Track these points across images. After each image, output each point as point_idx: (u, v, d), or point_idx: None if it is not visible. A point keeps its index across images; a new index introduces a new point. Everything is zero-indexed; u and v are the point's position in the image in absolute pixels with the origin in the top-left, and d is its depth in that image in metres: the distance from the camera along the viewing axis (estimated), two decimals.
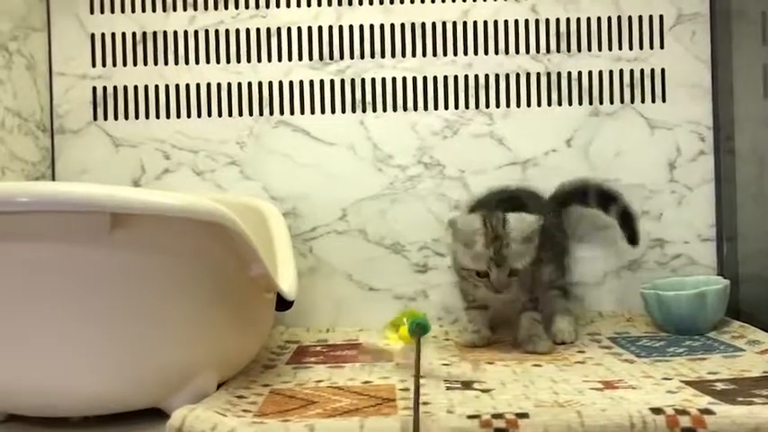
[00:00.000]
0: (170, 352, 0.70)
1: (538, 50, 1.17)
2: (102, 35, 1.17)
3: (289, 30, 1.17)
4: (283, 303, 0.90)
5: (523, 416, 0.61)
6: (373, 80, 1.17)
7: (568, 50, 1.17)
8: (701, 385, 0.75)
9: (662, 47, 1.17)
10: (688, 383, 0.76)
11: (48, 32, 1.16)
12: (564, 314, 1.01)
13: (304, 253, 1.16)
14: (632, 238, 1.08)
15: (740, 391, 0.73)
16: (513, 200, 1.00)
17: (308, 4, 1.17)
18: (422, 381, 0.80)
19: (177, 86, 1.17)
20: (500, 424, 0.60)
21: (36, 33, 1.13)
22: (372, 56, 1.17)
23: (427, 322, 0.85)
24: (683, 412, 0.61)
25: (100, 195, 0.64)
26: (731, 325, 1.01)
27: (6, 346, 0.66)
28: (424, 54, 1.17)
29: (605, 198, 1.09)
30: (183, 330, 0.70)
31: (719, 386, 0.75)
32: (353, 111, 1.17)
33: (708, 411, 0.61)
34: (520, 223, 0.90)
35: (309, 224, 1.17)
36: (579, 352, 0.93)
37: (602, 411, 0.62)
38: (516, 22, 1.17)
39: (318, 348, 1.01)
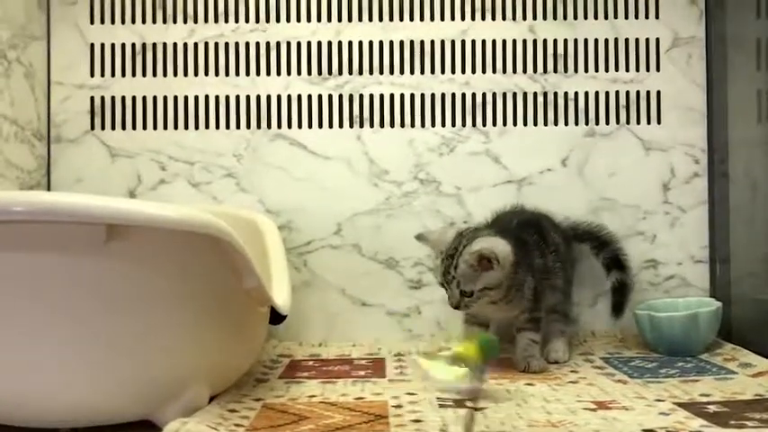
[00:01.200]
0: (162, 364, 0.69)
1: (535, 70, 1.18)
2: (102, 45, 1.17)
3: (288, 44, 1.18)
4: (276, 317, 0.89)
5: None
6: (371, 96, 1.18)
7: (565, 71, 1.18)
8: (694, 407, 0.75)
9: (658, 69, 1.18)
10: (680, 405, 0.76)
11: (47, 41, 1.16)
12: (559, 335, 1.02)
13: (298, 267, 1.16)
14: (618, 308, 1.08)
15: (732, 414, 0.73)
16: (531, 223, 1.02)
17: (308, 20, 1.18)
18: (417, 397, 0.80)
19: (175, 98, 1.17)
20: None
21: (36, 42, 1.13)
22: (371, 72, 1.18)
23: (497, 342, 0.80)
24: None
25: (96, 206, 0.63)
26: (723, 347, 1.01)
27: None
28: (422, 71, 1.18)
29: (616, 263, 1.09)
30: (176, 342, 0.70)
31: (712, 408, 0.75)
32: (351, 126, 1.18)
33: None
34: (473, 247, 0.90)
35: (304, 238, 1.17)
36: (572, 372, 0.93)
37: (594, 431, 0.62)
38: (514, 41, 1.18)
39: (311, 363, 1.00)
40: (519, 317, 0.96)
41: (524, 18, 1.18)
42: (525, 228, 1.01)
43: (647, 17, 1.18)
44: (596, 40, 1.18)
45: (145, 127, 1.17)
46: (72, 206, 0.63)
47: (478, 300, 0.91)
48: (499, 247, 0.90)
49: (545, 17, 1.18)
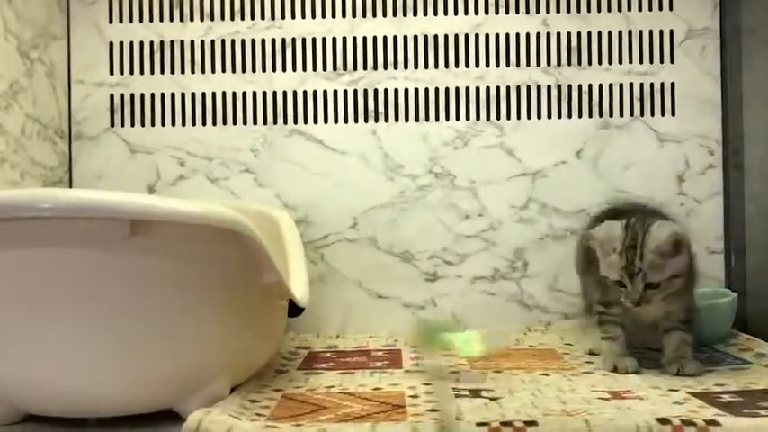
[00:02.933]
0: (186, 356, 0.71)
1: (549, 63, 1.19)
2: (121, 44, 1.19)
3: (303, 41, 1.19)
4: (294, 309, 0.91)
5: (532, 423, 0.62)
6: (386, 91, 1.19)
7: (579, 64, 1.19)
8: (708, 397, 0.76)
9: (672, 61, 1.19)
10: (694, 395, 0.77)
11: (67, 41, 1.19)
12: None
13: (315, 260, 1.18)
14: None
15: (746, 403, 0.73)
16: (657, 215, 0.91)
17: (323, 16, 1.19)
18: (433, 387, 0.81)
19: (193, 95, 1.19)
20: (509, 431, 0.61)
21: (56, 42, 1.15)
22: (385, 67, 1.19)
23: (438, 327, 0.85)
24: (690, 423, 0.62)
25: (121, 202, 0.65)
26: (738, 338, 1.02)
27: (26, 348, 0.68)
28: (437, 66, 1.19)
29: None
30: (199, 335, 0.72)
31: (726, 398, 0.76)
32: (366, 121, 1.19)
33: (714, 422, 0.62)
34: (661, 233, 0.83)
35: (321, 232, 1.18)
36: (587, 362, 0.94)
37: (609, 421, 0.63)
38: (528, 35, 1.19)
39: (329, 354, 1.02)
40: (672, 316, 0.87)
41: (538, 11, 1.19)
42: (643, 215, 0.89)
43: (660, 9, 1.18)
44: (610, 33, 1.19)
45: (164, 123, 1.19)
46: (97, 202, 0.65)
47: (663, 291, 0.83)
48: (681, 229, 0.84)
49: (558, 10, 1.19)
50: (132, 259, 0.68)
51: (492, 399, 0.76)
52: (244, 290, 0.76)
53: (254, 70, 1.19)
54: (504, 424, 0.62)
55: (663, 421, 0.62)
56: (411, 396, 0.78)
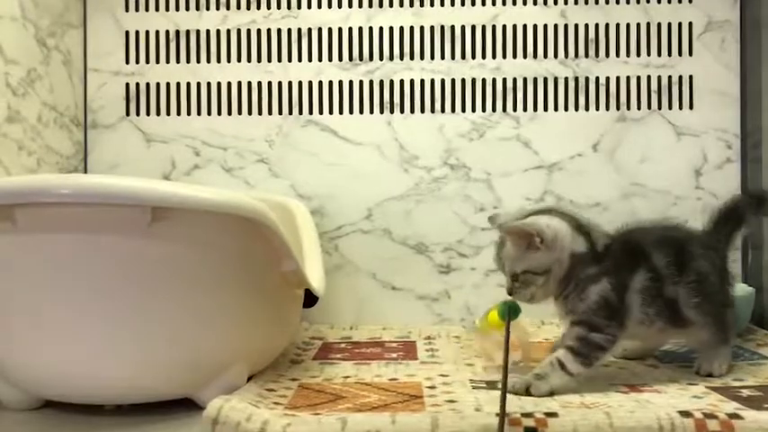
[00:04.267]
0: (204, 344, 0.71)
1: (566, 55, 1.18)
2: (137, 32, 1.19)
3: (319, 30, 1.19)
4: (309, 300, 0.91)
5: (552, 415, 0.62)
6: (402, 82, 1.19)
7: (596, 56, 1.18)
8: (727, 391, 0.75)
9: (690, 54, 1.18)
10: (713, 389, 0.76)
11: (84, 29, 1.19)
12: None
13: (329, 251, 1.17)
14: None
15: (766, 398, 0.73)
16: (673, 244, 0.81)
17: (339, 6, 1.19)
18: (449, 378, 0.81)
19: (209, 84, 1.19)
20: (529, 422, 0.61)
21: (73, 30, 1.15)
22: (401, 57, 1.18)
23: (518, 305, 0.81)
24: (712, 416, 0.62)
25: (143, 188, 0.65)
26: (756, 333, 1.01)
27: (45, 335, 0.68)
28: (453, 57, 1.18)
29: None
30: (217, 323, 0.72)
31: (745, 393, 0.75)
32: (381, 112, 1.19)
33: (736, 416, 0.62)
34: (520, 223, 0.79)
35: (335, 223, 1.18)
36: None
37: (630, 413, 0.63)
38: (545, 26, 1.18)
39: (343, 345, 1.02)
40: (574, 330, 0.78)
41: (555, 3, 1.18)
42: (661, 247, 0.80)
43: (680, 1, 1.18)
44: (628, 25, 1.18)
45: (179, 113, 1.19)
46: (119, 188, 0.65)
47: (527, 286, 0.79)
48: (545, 224, 0.78)
49: (576, 2, 1.18)
50: (151, 246, 0.68)
51: (509, 391, 0.76)
52: (262, 278, 0.76)
53: (269, 60, 1.19)
54: (525, 415, 0.62)
55: (685, 414, 0.62)
56: (428, 387, 0.78)
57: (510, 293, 0.81)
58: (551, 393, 0.74)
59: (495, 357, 0.88)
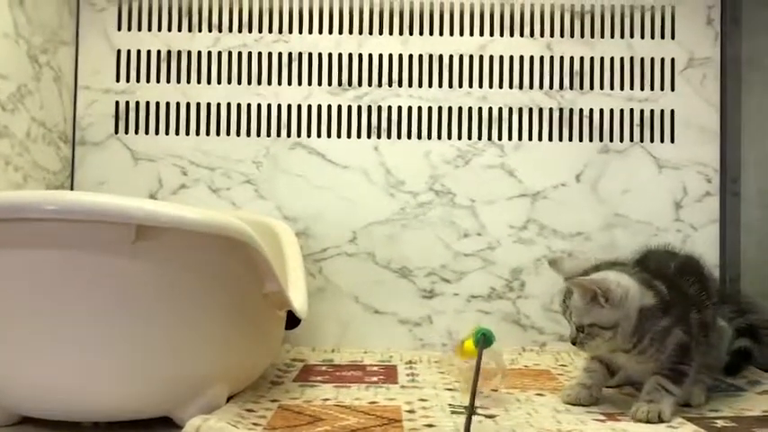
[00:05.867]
0: (184, 362, 0.71)
1: (551, 87, 1.20)
2: (128, 51, 1.20)
3: (310, 55, 1.20)
4: (291, 322, 0.91)
5: None
6: (389, 108, 1.20)
7: (581, 88, 1.20)
8: (702, 422, 0.76)
9: (672, 89, 1.20)
10: (689, 419, 0.77)
11: (76, 47, 1.20)
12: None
13: (313, 273, 1.18)
14: (734, 370, 0.96)
15: (740, 429, 0.74)
16: (690, 270, 0.87)
17: (330, 32, 1.21)
18: (429, 403, 0.82)
19: (198, 104, 1.20)
20: None
21: (65, 47, 1.16)
22: (390, 84, 1.20)
23: (492, 334, 0.84)
24: None
25: (128, 207, 0.66)
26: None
27: (24, 350, 0.68)
28: (441, 85, 1.20)
29: (751, 334, 0.96)
30: (198, 342, 0.72)
31: (720, 423, 0.76)
32: (369, 136, 1.20)
33: None
34: (589, 279, 0.80)
35: (320, 245, 1.19)
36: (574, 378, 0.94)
37: None
38: (531, 58, 1.20)
39: (324, 368, 1.02)
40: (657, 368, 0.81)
41: (542, 35, 1.20)
42: (684, 274, 0.85)
43: (663, 37, 1.20)
44: (612, 59, 1.20)
45: (167, 132, 1.20)
46: (104, 206, 0.65)
47: (593, 339, 0.79)
48: (615, 282, 0.79)
49: (562, 35, 1.20)
50: (134, 264, 0.68)
51: (487, 416, 0.77)
52: (244, 298, 0.77)
53: (259, 83, 1.20)
54: None
55: None
56: (407, 411, 0.78)
57: (573, 343, 0.81)
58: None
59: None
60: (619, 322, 0.79)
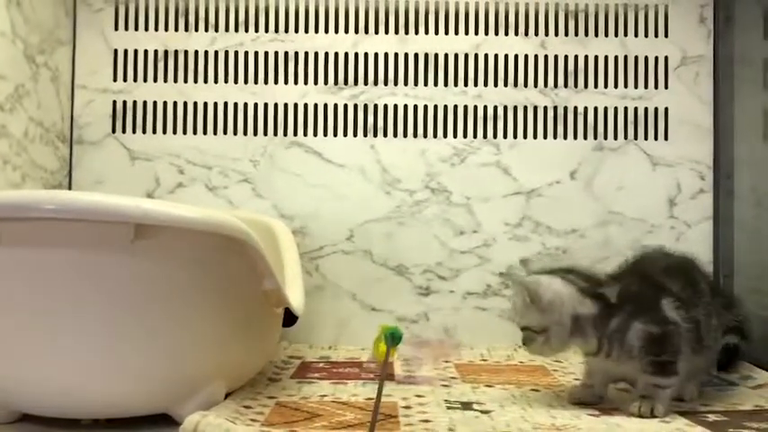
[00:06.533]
0: (182, 360, 0.72)
1: (546, 85, 1.21)
2: (125, 51, 1.21)
3: (306, 54, 1.21)
4: (289, 319, 0.92)
5: None
6: (386, 106, 1.21)
7: (575, 86, 1.21)
8: (694, 416, 0.77)
9: (666, 87, 1.21)
10: (681, 414, 0.78)
11: (73, 46, 1.20)
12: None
13: (310, 271, 1.19)
14: (724, 367, 0.93)
15: (732, 423, 0.75)
16: (682, 270, 0.86)
17: (326, 31, 1.21)
18: (425, 399, 0.82)
19: (195, 104, 1.21)
20: None
21: (62, 47, 1.17)
22: (386, 83, 1.21)
23: (400, 333, 0.83)
24: None
25: (127, 206, 0.66)
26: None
27: (23, 348, 0.69)
28: (436, 84, 1.21)
29: (737, 331, 0.93)
30: (196, 340, 0.73)
31: (711, 418, 0.77)
32: (365, 135, 1.21)
33: None
34: (528, 281, 0.80)
35: (317, 243, 1.20)
36: (576, 379, 0.96)
37: None
38: (526, 57, 1.21)
39: (321, 365, 1.03)
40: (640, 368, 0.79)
41: (536, 34, 1.21)
42: (672, 274, 0.83)
43: (656, 36, 1.21)
44: (606, 57, 1.21)
45: (165, 131, 1.21)
46: (103, 205, 0.66)
47: (533, 340, 0.80)
48: (545, 286, 0.79)
49: (557, 34, 1.21)
50: (133, 263, 0.69)
51: (483, 412, 0.78)
52: (242, 296, 0.77)
53: (256, 82, 1.21)
54: None
55: None
56: (403, 407, 0.79)
57: (523, 344, 0.81)
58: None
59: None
60: (550, 327, 0.78)
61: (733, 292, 1.15)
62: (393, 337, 0.83)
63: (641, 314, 0.79)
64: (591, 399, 0.83)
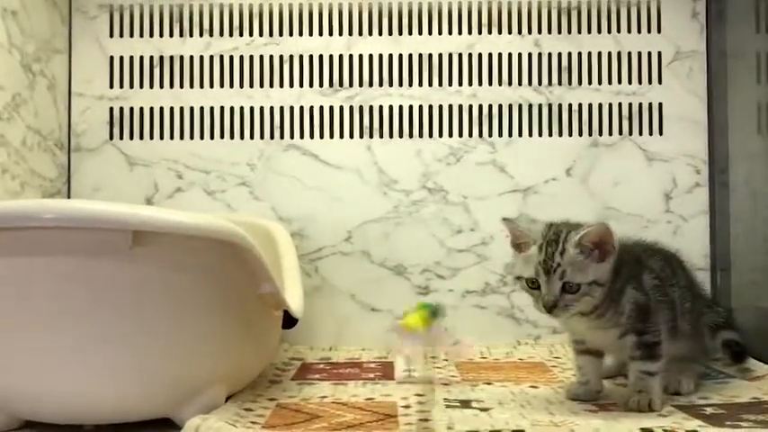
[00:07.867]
0: (183, 364, 0.73)
1: (540, 83, 1.22)
2: (121, 58, 1.21)
3: (301, 57, 1.22)
4: (288, 321, 0.93)
5: None
6: (381, 107, 1.22)
7: (570, 83, 1.22)
8: (692, 410, 0.78)
9: (660, 82, 1.22)
10: (679, 408, 0.79)
11: (69, 55, 1.21)
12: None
13: (309, 273, 1.19)
14: (739, 357, 0.95)
15: (729, 415, 0.75)
16: (661, 255, 0.88)
17: (320, 34, 1.22)
18: (425, 398, 0.83)
19: (192, 109, 1.21)
20: None
21: (58, 55, 1.17)
22: (381, 84, 1.22)
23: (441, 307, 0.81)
24: None
25: (125, 213, 0.67)
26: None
27: (25, 355, 0.69)
28: (431, 84, 1.22)
29: (726, 325, 0.96)
30: (196, 344, 0.73)
31: (709, 411, 0.78)
32: (361, 136, 1.22)
33: None
34: (588, 227, 0.76)
35: (315, 245, 1.20)
36: (574, 375, 0.96)
37: (595, 431, 0.65)
38: (520, 55, 1.22)
39: (322, 366, 1.04)
40: (624, 341, 0.79)
41: (530, 32, 1.22)
42: (652, 255, 0.86)
43: (649, 31, 1.22)
44: (600, 54, 1.22)
45: (162, 137, 1.21)
46: (101, 213, 0.67)
47: (581, 299, 0.74)
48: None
49: (550, 31, 1.22)
50: (132, 269, 0.70)
51: (482, 409, 0.78)
52: (241, 300, 0.78)
53: (251, 86, 1.22)
54: None
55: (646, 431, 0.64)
56: (403, 407, 0.80)
57: (551, 309, 0.75)
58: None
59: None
60: (599, 279, 0.75)
61: (715, 292, 1.16)
62: (435, 313, 0.80)
63: (632, 281, 0.80)
64: (589, 395, 0.84)
